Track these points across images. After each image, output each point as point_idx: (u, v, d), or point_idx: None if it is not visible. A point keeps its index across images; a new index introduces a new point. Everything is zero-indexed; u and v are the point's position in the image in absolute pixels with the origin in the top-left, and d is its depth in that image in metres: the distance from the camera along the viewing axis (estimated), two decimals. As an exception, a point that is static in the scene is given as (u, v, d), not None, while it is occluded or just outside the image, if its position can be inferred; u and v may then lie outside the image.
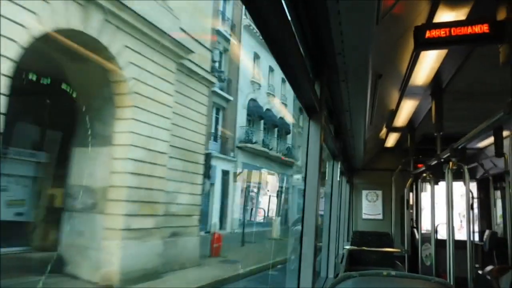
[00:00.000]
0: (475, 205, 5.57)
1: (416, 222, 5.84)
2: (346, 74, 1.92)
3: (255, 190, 24.39)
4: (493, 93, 2.43)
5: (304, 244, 1.83)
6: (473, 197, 5.15)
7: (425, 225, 5.58)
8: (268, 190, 25.12)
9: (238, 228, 19.82)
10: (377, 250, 4.50)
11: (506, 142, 2.20)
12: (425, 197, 5.60)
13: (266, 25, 1.12)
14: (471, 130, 2.58)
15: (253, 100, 24.18)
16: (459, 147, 2.94)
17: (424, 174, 4.20)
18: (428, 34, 1.92)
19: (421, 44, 1.95)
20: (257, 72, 25.20)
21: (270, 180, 25.99)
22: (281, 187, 27.20)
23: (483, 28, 1.87)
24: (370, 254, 4.50)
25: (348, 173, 5.41)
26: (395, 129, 4.40)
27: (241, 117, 22.58)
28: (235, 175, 21.64)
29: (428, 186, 4.86)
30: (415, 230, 5.61)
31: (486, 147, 4.78)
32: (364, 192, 6.09)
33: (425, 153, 4.36)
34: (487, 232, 5.27)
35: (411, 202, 5.61)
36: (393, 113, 3.70)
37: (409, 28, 1.97)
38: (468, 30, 1.88)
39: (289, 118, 30.32)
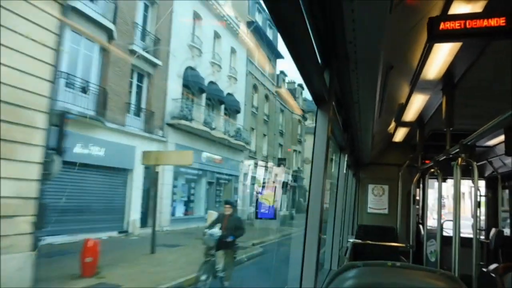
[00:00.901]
0: (483, 203, 5.75)
1: (422, 217, 5.80)
2: (357, 64, 1.88)
3: (195, 178, 19.69)
4: (506, 91, 2.37)
5: (307, 236, 1.83)
6: (480, 195, 5.36)
7: (431, 221, 5.67)
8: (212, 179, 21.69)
9: (170, 225, 17.96)
10: (381, 244, 4.49)
11: None
12: (431, 193, 5.78)
13: (278, 9, 1.13)
14: (481, 128, 2.59)
15: (191, 68, 19.39)
16: (469, 143, 2.94)
17: (432, 170, 4.16)
18: (442, 26, 1.85)
19: (435, 36, 1.88)
20: (198, 36, 19.44)
21: (214, 167, 22.09)
22: (229, 175, 23.52)
23: (500, 21, 1.77)
24: (375, 248, 4.47)
25: (354, 166, 5.43)
26: (404, 124, 4.34)
27: (175, 88, 18.96)
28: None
29: (435, 183, 4.93)
30: (421, 226, 5.61)
31: (495, 145, 4.79)
32: (370, 186, 6.14)
33: (434, 149, 4.28)
34: (493, 230, 5.39)
35: (417, 198, 5.62)
36: (403, 107, 3.61)
37: (423, 19, 1.92)
38: (484, 23, 1.80)
39: (240, 95, 25.36)
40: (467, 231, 4.33)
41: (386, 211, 6.07)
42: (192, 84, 19.67)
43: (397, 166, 5.60)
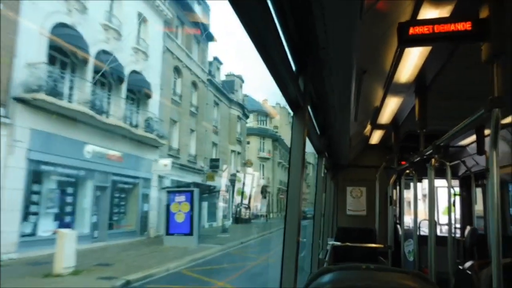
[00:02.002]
0: (457, 202, 5.93)
1: (399, 218, 5.80)
2: (331, 69, 1.93)
3: (73, 180, 13.57)
4: (476, 91, 2.41)
5: (286, 239, 1.85)
6: (455, 194, 5.53)
7: (408, 221, 5.81)
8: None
9: (19, 250, 11.72)
10: (361, 246, 4.54)
11: (487, 140, 2.14)
12: (408, 194, 5.91)
13: (249, 17, 1.13)
14: (453, 129, 2.69)
15: (65, 26, 13.46)
16: (442, 144, 3.02)
17: (408, 171, 4.26)
18: (411, 30, 1.93)
19: (405, 40, 1.96)
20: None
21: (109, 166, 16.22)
22: (135, 177, 18.29)
23: (466, 25, 1.86)
24: (354, 250, 4.51)
25: (333, 169, 5.52)
26: (380, 126, 4.47)
27: (33, 48, 13.19)
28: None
29: (411, 183, 4.98)
30: (399, 226, 5.61)
31: (468, 145, 4.95)
32: (348, 189, 6.19)
33: (409, 151, 4.31)
34: (468, 228, 5.53)
35: (394, 199, 5.75)
36: (378, 110, 3.72)
37: (393, 24, 2.00)
38: (451, 27, 1.88)
39: (153, 77, 20.00)
40: (445, 230, 4.56)
41: (364, 213, 6.18)
42: (69, 48, 13.88)
43: (374, 168, 5.74)
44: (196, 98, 26.80)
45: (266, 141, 53.13)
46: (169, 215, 16.42)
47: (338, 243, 4.69)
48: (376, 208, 5.65)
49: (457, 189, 6.16)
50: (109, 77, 16.59)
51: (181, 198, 16.40)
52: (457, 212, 5.74)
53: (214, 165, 27.93)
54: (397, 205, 5.94)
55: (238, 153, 35.46)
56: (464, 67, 2.66)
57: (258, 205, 51.61)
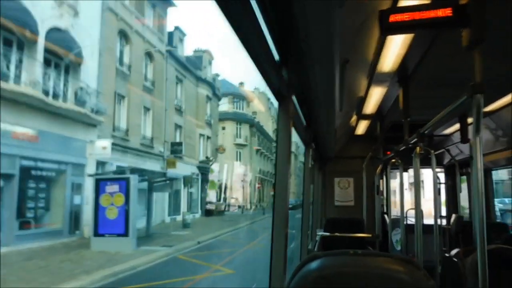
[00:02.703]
0: (442, 190, 6.01)
1: (386, 208, 5.83)
2: (312, 59, 1.90)
3: None
4: (459, 79, 2.42)
5: (275, 231, 1.86)
6: (440, 183, 5.62)
7: (395, 211, 5.82)
8: None
9: None
10: (349, 236, 4.60)
11: (470, 128, 2.15)
12: (394, 183, 6.21)
13: (228, 6, 1.13)
14: (435, 117, 2.73)
15: None
16: (426, 132, 3.05)
17: (393, 160, 4.32)
18: (392, 18, 1.92)
19: (386, 28, 1.95)
20: None
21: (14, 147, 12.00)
22: (61, 162, 14.19)
23: (446, 12, 1.86)
24: (343, 240, 4.56)
25: (320, 161, 5.48)
26: (365, 117, 4.48)
27: None
28: None
29: (397, 173, 5.11)
30: (386, 216, 5.66)
31: (452, 133, 4.99)
32: (336, 180, 6.20)
33: (394, 141, 4.29)
34: (453, 216, 5.59)
35: (381, 189, 5.79)
36: (362, 100, 3.75)
37: (374, 12, 2.00)
38: (432, 14, 1.88)
39: (85, 36, 15.26)
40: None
41: (352, 203, 6.17)
42: None
43: (360, 159, 5.80)
44: (151, 71, 22.78)
45: (243, 127, 49.38)
46: (98, 210, 12.65)
47: (327, 234, 4.69)
48: (364, 199, 5.74)
49: (442, 178, 6.27)
50: (16, 32, 12.55)
51: (113, 188, 12.63)
52: (442, 201, 5.91)
53: (176, 149, 24.11)
54: (384, 195, 5.96)
55: (208, 137, 31.66)
56: (446, 55, 2.68)
57: (235, 195, 48.21)
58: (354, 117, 4.58)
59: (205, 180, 30.88)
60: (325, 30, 1.56)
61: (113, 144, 17.63)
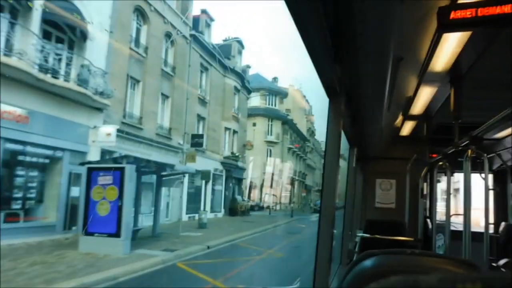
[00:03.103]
0: (490, 197, 5.56)
1: (430, 211, 5.68)
2: (367, 56, 1.91)
3: None
4: None
5: (321, 230, 1.88)
6: (489, 189, 5.09)
7: (439, 215, 5.60)
8: None
9: None
10: (389, 239, 4.44)
11: None
12: (439, 187, 5.91)
13: (295, 3, 1.18)
14: (491, 120, 2.64)
15: None
16: (478, 135, 2.95)
17: (440, 163, 4.14)
18: (453, 15, 1.83)
19: (445, 25, 1.88)
20: None
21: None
22: (52, 148, 11.86)
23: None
24: (383, 242, 4.42)
25: (362, 160, 5.52)
26: (411, 117, 4.36)
27: None
28: None
29: (443, 176, 5.00)
30: (429, 220, 5.51)
31: (504, 137, 4.83)
32: (378, 181, 6.07)
33: (441, 143, 4.25)
34: (502, 224, 5.37)
35: (425, 192, 5.65)
36: (410, 100, 3.62)
37: (433, 8, 1.91)
38: (496, 10, 1.75)
39: (93, 8, 13.09)
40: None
41: (393, 206, 5.97)
42: None
43: (404, 160, 5.58)
44: (172, 56, 20.97)
45: (275, 124, 47.00)
46: (88, 204, 10.79)
47: (367, 235, 4.59)
48: (406, 201, 5.57)
49: (490, 184, 5.63)
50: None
51: (106, 179, 10.71)
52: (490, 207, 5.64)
53: (197, 142, 22.17)
54: (428, 198, 5.90)
55: (235, 132, 29.57)
56: (504, 55, 2.57)
57: (265, 195, 46.02)
58: (400, 118, 4.49)
59: (230, 177, 28.82)
60: (383, 26, 1.59)
61: (123, 132, 15.92)
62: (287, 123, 49.42)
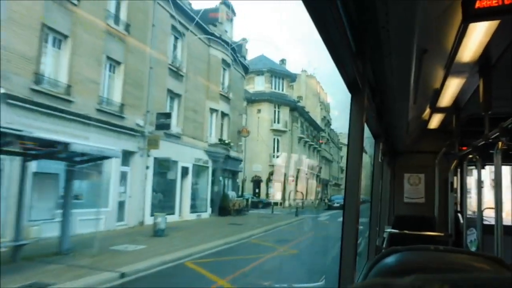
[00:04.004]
0: None
1: (460, 206, 5.57)
2: (390, 49, 1.90)
3: None
4: None
5: (345, 226, 1.88)
6: None
7: (471, 210, 5.63)
8: None
9: None
10: (419, 234, 4.37)
11: None
12: (470, 180, 5.78)
13: None
14: None
15: None
16: (510, 126, 2.89)
17: (470, 156, 4.05)
18: (478, 4, 1.77)
19: (470, 15, 1.81)
20: None
21: None
22: None
23: None
24: (412, 238, 4.32)
25: (389, 155, 5.45)
26: (439, 110, 4.23)
27: None
28: None
29: (473, 170, 4.97)
30: (459, 215, 5.41)
31: None
32: (406, 175, 5.99)
33: (471, 135, 4.12)
34: None
35: (455, 186, 5.47)
36: (438, 93, 3.53)
37: None
38: None
39: None
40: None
41: (422, 200, 5.88)
42: None
43: (433, 154, 5.57)
44: (126, 10, 16.08)
45: (282, 110, 41.67)
46: None
47: (396, 231, 4.50)
48: (436, 196, 5.54)
49: None
50: None
51: None
52: None
53: (163, 124, 17.25)
54: (458, 192, 5.72)
55: (224, 114, 24.54)
56: None
57: (271, 190, 40.93)
58: (428, 110, 4.35)
59: (219, 169, 23.85)
60: (406, 18, 1.58)
61: (32, 103, 11.17)
62: (297, 110, 43.96)
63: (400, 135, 4.60)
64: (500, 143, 2.96)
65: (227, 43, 24.23)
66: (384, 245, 4.43)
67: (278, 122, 41.23)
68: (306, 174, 48.34)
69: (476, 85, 3.14)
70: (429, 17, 1.96)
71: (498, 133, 3.00)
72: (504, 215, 3.42)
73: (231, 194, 25.36)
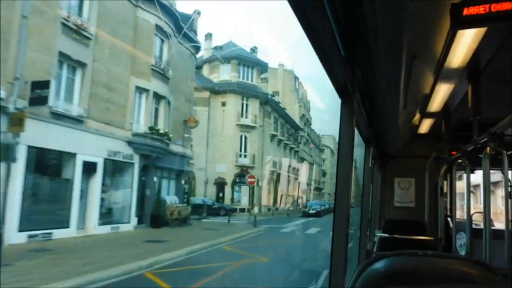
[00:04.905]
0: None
1: (450, 210, 5.70)
2: (379, 54, 1.91)
3: None
4: None
5: (336, 230, 1.87)
6: (510, 185, 5.25)
7: (460, 214, 5.68)
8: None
9: None
10: (409, 238, 4.34)
11: None
12: (459, 185, 5.82)
13: (298, 2, 1.16)
14: (510, 115, 2.58)
15: None
16: (497, 131, 2.93)
17: (460, 161, 4.11)
18: (466, 11, 1.81)
19: (458, 22, 1.85)
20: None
21: None
22: None
23: None
24: (403, 242, 4.34)
25: (380, 159, 5.49)
26: (429, 115, 4.32)
27: None
28: None
29: (463, 174, 4.98)
30: (449, 219, 5.54)
31: None
32: (396, 180, 6.09)
33: (460, 140, 4.18)
34: None
35: (445, 190, 5.62)
36: (427, 98, 3.60)
37: (446, 5, 1.90)
38: (511, 5, 1.74)
39: None
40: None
41: (413, 205, 6.03)
42: None
43: (423, 159, 5.64)
44: None
45: (252, 103, 36.43)
46: None
47: (386, 235, 4.49)
48: (426, 200, 5.58)
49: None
50: None
51: None
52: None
53: (39, 97, 11.85)
54: (448, 196, 5.82)
55: (161, 97, 19.23)
56: None
57: (238, 194, 35.65)
58: (418, 115, 4.42)
59: (153, 167, 18.51)
60: (394, 23, 1.58)
61: None
62: (270, 104, 38.88)
63: (391, 139, 4.66)
64: (488, 148, 3.01)
65: (166, 7, 18.97)
66: (374, 249, 4.44)
67: (247, 117, 36.02)
68: (281, 176, 43.26)
69: (465, 91, 3.24)
70: (418, 23, 2.03)
71: (486, 138, 3.06)
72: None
73: (171, 199, 20.02)
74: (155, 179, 18.98)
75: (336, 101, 2.06)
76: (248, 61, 37.22)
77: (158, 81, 18.72)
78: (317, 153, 69.11)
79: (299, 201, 48.28)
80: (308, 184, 58.08)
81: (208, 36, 38.59)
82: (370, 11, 1.45)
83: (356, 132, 2.46)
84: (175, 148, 20.69)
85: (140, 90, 17.77)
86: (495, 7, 1.76)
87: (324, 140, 76.72)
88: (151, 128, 17.90)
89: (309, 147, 60.98)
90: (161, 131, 18.49)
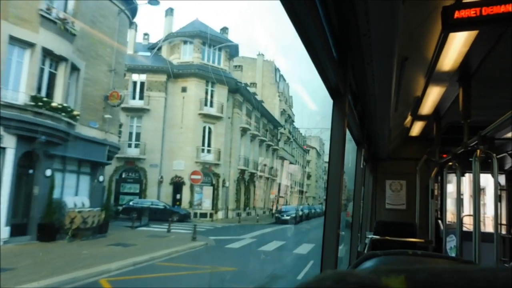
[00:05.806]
0: (504, 198, 5.82)
1: (440, 212, 5.74)
2: (372, 56, 1.91)
3: None
4: None
5: (326, 232, 1.86)
6: (501, 189, 5.36)
7: (450, 216, 5.72)
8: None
9: None
10: (400, 240, 4.46)
11: None
12: (450, 187, 5.76)
13: (291, 3, 1.17)
14: (500, 119, 2.59)
15: None
16: (487, 135, 2.93)
17: (450, 164, 4.14)
18: (457, 14, 1.82)
19: (450, 25, 1.86)
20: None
21: None
22: None
23: None
24: (393, 244, 4.45)
25: (371, 161, 5.44)
26: (420, 117, 4.40)
27: None
28: None
29: (453, 177, 4.98)
30: (440, 221, 5.58)
31: None
32: (387, 182, 6.15)
33: (451, 143, 4.30)
34: None
35: (436, 193, 5.64)
36: (419, 100, 3.66)
37: (437, 8, 1.92)
38: (501, 9, 1.75)
39: None
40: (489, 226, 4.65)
41: (404, 207, 6.04)
42: None
43: (414, 161, 5.64)
44: None
45: (219, 90, 31.02)
46: None
47: (377, 237, 4.56)
48: (417, 202, 5.52)
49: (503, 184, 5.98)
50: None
51: None
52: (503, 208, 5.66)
53: None
54: (438, 199, 5.80)
55: (61, 59, 13.74)
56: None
57: (199, 196, 30.26)
58: (409, 118, 4.41)
59: (42, 156, 13.03)
60: (386, 26, 1.58)
61: None
62: (240, 92, 33.60)
63: (382, 141, 4.58)
64: (478, 151, 2.99)
65: None
66: (365, 251, 4.39)
67: (212, 105, 30.61)
68: (254, 177, 37.98)
69: (456, 94, 3.27)
70: (410, 25, 2.04)
71: (476, 141, 3.05)
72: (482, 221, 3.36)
73: (76, 201, 14.54)
74: (48, 173, 13.50)
75: (328, 102, 2.06)
76: (214, 40, 31.81)
77: (54, 35, 13.26)
78: (300, 153, 64.16)
79: (276, 205, 43.00)
80: (289, 186, 53.06)
81: (169, 11, 33.14)
82: (362, 13, 1.47)
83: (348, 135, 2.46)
84: (88, 131, 15.26)
85: (19, 42, 12.31)
86: (485, 11, 1.78)
87: (310, 141, 72.37)
88: (34, 98, 12.41)
89: (291, 146, 55.96)
90: (55, 105, 13.02)
